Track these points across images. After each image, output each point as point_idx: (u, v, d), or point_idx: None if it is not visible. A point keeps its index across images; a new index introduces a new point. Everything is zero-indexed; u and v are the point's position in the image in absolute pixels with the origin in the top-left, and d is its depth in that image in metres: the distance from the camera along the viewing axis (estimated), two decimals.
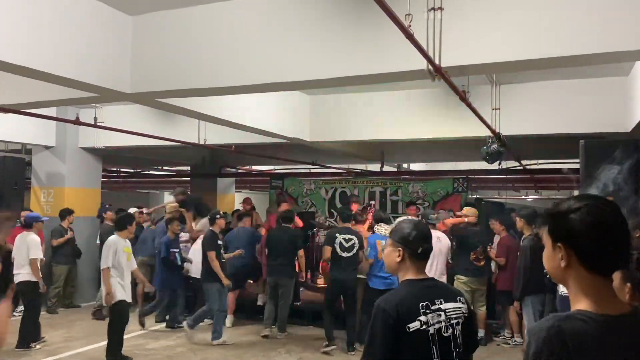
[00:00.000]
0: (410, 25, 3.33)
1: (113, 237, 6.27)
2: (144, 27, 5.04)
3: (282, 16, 4.52)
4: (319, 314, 7.72)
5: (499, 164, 9.29)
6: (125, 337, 7.65)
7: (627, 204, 5.82)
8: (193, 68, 4.84)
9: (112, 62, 4.92)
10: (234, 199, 15.40)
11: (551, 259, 1.48)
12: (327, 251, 6.98)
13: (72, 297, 9.47)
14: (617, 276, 1.85)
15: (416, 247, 2.29)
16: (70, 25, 4.50)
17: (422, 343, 2.14)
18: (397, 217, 10.27)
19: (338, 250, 6.90)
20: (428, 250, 2.33)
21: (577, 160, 7.04)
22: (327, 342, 6.94)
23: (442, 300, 2.23)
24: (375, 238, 7.04)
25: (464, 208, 7.86)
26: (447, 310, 2.21)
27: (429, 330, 2.15)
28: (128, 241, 6.45)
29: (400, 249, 2.32)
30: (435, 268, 6.81)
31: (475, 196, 14.36)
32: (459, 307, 2.26)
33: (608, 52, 3.68)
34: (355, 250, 6.92)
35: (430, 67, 3.78)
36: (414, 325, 2.13)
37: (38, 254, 6.99)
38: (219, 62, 4.75)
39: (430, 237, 2.39)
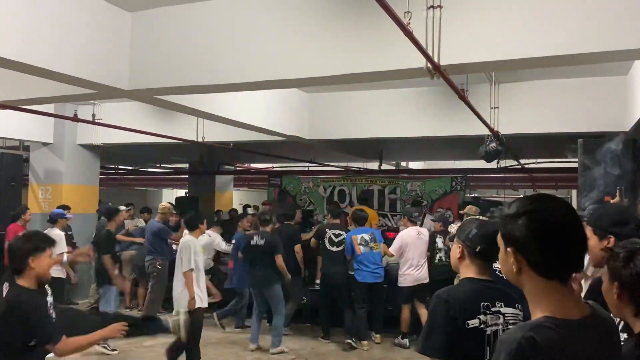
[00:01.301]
0: (409, 23, 3.32)
1: (189, 238, 5.72)
2: (143, 24, 5.03)
3: (281, 13, 4.51)
4: (316, 312, 7.73)
5: (498, 162, 9.31)
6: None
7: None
8: (192, 65, 4.83)
9: (111, 58, 4.91)
10: (232, 196, 15.40)
11: (504, 262, 1.45)
12: (313, 243, 7.38)
13: (70, 295, 9.45)
14: (605, 278, 1.83)
15: (475, 245, 2.26)
16: (69, 22, 4.49)
17: (477, 342, 2.12)
18: (395, 215, 10.33)
19: (327, 244, 7.09)
20: (489, 251, 2.21)
21: (576, 160, 7.06)
22: (322, 335, 7.19)
23: (502, 303, 2.19)
24: (352, 234, 7.11)
25: (467, 206, 7.85)
26: (506, 315, 2.20)
27: (486, 331, 2.14)
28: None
29: (460, 246, 2.32)
30: (415, 264, 6.87)
31: (473, 195, 14.39)
32: (517, 314, 2.24)
33: (607, 51, 3.68)
34: (344, 245, 7.08)
35: (429, 65, 3.78)
36: (473, 322, 2.13)
37: (62, 248, 7.10)
38: (217, 60, 4.74)
39: (496, 239, 2.33)
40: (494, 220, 2.40)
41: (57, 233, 7.19)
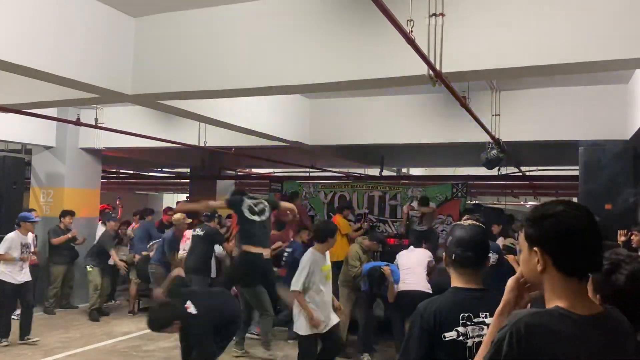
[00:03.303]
0: (411, 31, 3.34)
1: (310, 254, 5.11)
2: (146, 29, 5.05)
3: (284, 20, 4.53)
4: None
5: (498, 169, 9.33)
6: (122, 338, 7.65)
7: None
8: (194, 71, 4.85)
9: (114, 63, 4.93)
10: None
11: (527, 262, 1.54)
12: (234, 218, 5.99)
13: (70, 298, 9.45)
14: (590, 288, 1.84)
15: (451, 252, 2.20)
16: (73, 26, 4.51)
17: (458, 354, 2.04)
18: (395, 222, 10.33)
19: (247, 214, 5.95)
20: (467, 257, 2.18)
21: (577, 167, 7.07)
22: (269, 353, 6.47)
23: (487, 314, 2.06)
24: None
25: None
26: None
27: (467, 343, 2.05)
28: (327, 256, 5.26)
29: (444, 253, 2.28)
30: (412, 279, 6.47)
31: (474, 202, 14.39)
32: None
33: (608, 60, 3.69)
34: (267, 214, 6.11)
35: (431, 72, 3.79)
36: (450, 335, 2.05)
37: (14, 252, 6.95)
38: (220, 65, 4.77)
39: (477, 243, 2.23)
40: (477, 223, 2.37)
41: (7, 237, 7.05)
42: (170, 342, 7.40)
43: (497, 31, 3.90)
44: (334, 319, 5.21)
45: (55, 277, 9.03)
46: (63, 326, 8.18)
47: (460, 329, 2.06)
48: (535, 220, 1.51)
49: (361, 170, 14.52)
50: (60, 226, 8.98)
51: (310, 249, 5.18)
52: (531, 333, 1.36)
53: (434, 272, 6.58)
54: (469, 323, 2.08)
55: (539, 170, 12.30)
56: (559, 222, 1.46)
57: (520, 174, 11.29)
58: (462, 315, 2.08)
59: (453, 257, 2.19)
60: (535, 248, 1.49)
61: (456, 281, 2.21)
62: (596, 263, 1.49)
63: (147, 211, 10.53)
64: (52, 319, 8.60)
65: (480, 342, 1.98)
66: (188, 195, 15.80)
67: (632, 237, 5.33)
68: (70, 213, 9.00)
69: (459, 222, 2.40)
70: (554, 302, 1.47)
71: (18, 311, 8.01)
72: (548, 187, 14.01)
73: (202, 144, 8.61)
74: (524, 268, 1.57)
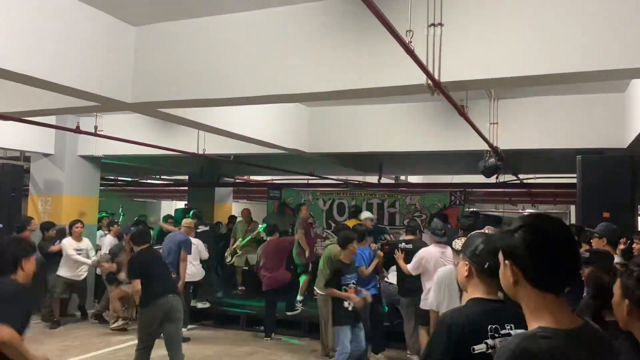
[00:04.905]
0: (411, 41, 3.37)
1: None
2: (147, 38, 5.08)
3: (284, 30, 4.56)
4: (315, 325, 7.71)
5: (497, 177, 9.34)
6: (119, 346, 7.62)
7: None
8: (194, 79, 4.88)
9: (114, 71, 4.95)
10: (232, 208, 15.41)
11: (503, 275, 1.52)
12: None
13: (67, 307, 9.40)
14: (617, 292, 1.83)
15: (483, 262, 2.13)
16: (73, 34, 4.53)
17: None
18: (395, 229, 10.34)
19: None
20: (498, 267, 2.19)
21: (574, 175, 7.10)
22: None
23: (512, 325, 2.02)
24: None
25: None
26: None
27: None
28: None
29: (467, 264, 2.20)
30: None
31: (472, 209, 14.40)
32: None
33: (605, 69, 3.72)
34: None
35: (429, 82, 3.82)
36: (480, 347, 1.98)
37: None
38: (219, 74, 4.79)
39: None
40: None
41: None
42: None
43: (495, 41, 3.93)
44: None
45: (52, 286, 8.98)
46: (61, 334, 8.15)
47: (489, 341, 2.00)
48: (507, 232, 1.48)
49: (360, 178, 14.54)
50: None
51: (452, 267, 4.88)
52: (525, 358, 1.32)
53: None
54: (496, 335, 2.02)
55: (537, 178, 12.33)
56: (528, 234, 1.43)
57: (518, 181, 11.32)
58: (490, 327, 2.02)
59: (486, 266, 2.11)
60: (506, 261, 1.47)
61: (477, 291, 2.16)
62: (569, 278, 1.44)
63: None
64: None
65: None
66: (186, 203, 15.78)
67: (633, 246, 5.34)
68: (52, 225, 8.91)
69: (482, 232, 2.37)
70: (531, 318, 1.43)
71: None
72: (546, 195, 14.06)
73: (201, 152, 8.63)
74: (501, 280, 1.53)
